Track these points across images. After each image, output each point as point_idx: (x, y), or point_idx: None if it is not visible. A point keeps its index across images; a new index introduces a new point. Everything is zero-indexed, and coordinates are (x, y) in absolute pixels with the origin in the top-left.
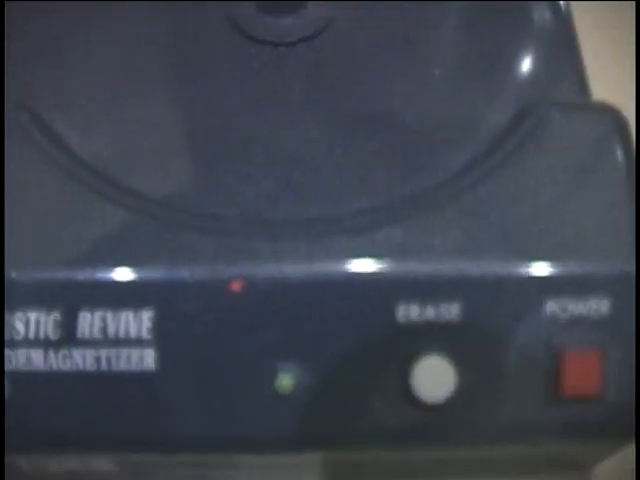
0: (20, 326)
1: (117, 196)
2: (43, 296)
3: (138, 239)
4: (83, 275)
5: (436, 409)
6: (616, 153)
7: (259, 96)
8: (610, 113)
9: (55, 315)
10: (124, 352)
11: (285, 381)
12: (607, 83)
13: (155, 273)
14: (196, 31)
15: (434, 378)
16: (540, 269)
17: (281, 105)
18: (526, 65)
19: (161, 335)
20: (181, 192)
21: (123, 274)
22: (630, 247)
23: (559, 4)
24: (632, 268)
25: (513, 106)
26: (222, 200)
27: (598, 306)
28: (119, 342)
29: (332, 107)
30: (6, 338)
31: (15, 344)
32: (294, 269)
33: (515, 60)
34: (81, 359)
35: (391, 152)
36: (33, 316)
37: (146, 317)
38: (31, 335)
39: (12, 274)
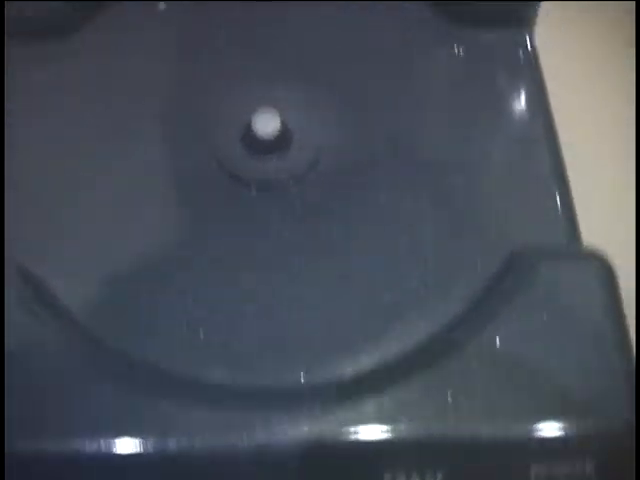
0: None
1: (108, 363)
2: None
3: (128, 411)
4: (77, 447)
5: None
6: (602, 304)
7: (246, 239)
8: (597, 261)
9: None
10: None
11: None
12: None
13: (147, 447)
14: (183, 172)
15: None
16: (524, 432)
17: (268, 249)
18: (516, 207)
19: None
20: (171, 354)
21: (114, 447)
22: (614, 407)
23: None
24: (617, 428)
25: (501, 253)
26: (210, 362)
27: (582, 467)
28: None
29: (320, 255)
30: None
31: None
32: (282, 438)
33: (504, 202)
34: None
35: (374, 311)
36: None
37: None
38: None
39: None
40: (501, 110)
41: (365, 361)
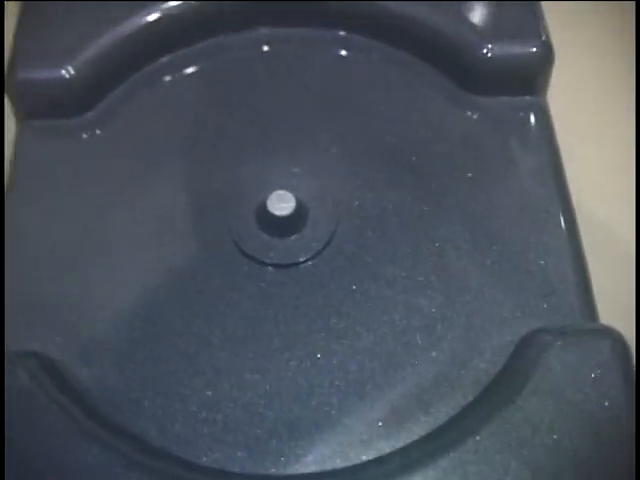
0: None
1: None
2: None
3: None
4: None
5: None
6: (616, 383)
7: (262, 321)
8: (610, 338)
9: None
10: None
11: None
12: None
13: None
14: (200, 254)
15: None
16: None
17: (285, 330)
18: (531, 286)
19: None
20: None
21: None
22: None
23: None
24: None
25: (513, 334)
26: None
27: None
28: None
29: (334, 338)
30: None
31: None
32: None
33: (520, 279)
34: None
35: (384, 397)
36: None
37: None
38: None
39: None
40: (514, 179)
41: (372, 450)
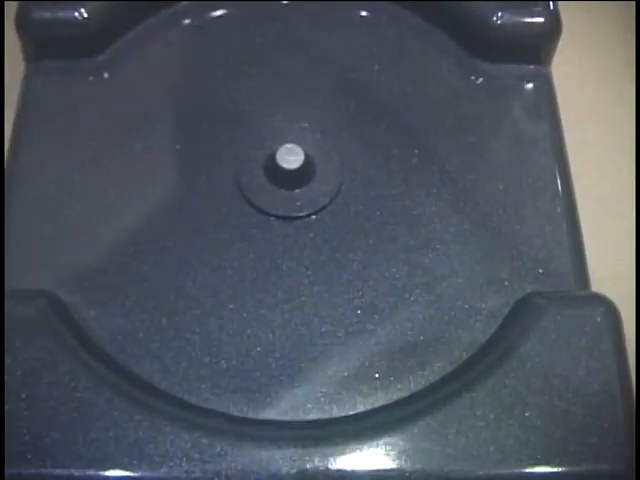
0: None
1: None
2: None
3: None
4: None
5: None
6: (607, 349)
7: (267, 272)
8: (603, 306)
9: None
10: None
11: None
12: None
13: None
14: (207, 203)
15: None
16: (533, 473)
17: (289, 281)
18: (529, 250)
19: None
20: (186, 382)
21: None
22: (619, 446)
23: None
24: (622, 466)
25: (512, 297)
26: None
27: None
28: None
29: (337, 290)
30: None
31: None
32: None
33: (518, 245)
34: None
35: (383, 351)
36: None
37: None
38: None
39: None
40: (515, 146)
41: (369, 402)
